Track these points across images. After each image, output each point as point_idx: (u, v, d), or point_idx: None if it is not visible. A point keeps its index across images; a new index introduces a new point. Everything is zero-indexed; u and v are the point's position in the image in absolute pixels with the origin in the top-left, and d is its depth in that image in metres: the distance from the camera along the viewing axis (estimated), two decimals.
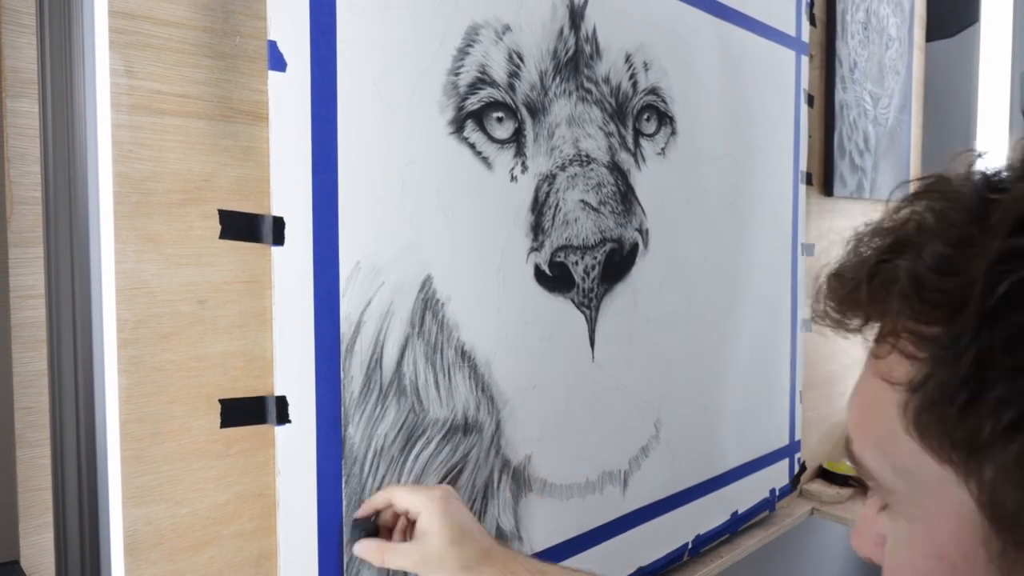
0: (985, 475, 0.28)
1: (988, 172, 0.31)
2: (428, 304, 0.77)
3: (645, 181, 1.01)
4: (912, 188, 0.32)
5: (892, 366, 0.31)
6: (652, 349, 1.04)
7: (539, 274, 0.88)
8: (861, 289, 0.32)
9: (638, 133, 1.00)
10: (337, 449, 0.69)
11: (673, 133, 1.06)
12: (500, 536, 0.85)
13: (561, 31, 0.89)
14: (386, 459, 0.73)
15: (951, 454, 0.29)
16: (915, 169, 1.86)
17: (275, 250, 0.65)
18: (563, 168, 0.90)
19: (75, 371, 0.49)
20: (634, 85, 0.99)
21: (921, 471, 0.31)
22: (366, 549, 0.68)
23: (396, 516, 0.71)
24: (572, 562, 0.92)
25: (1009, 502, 0.28)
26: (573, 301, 0.92)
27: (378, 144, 0.71)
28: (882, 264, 0.31)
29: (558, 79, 0.88)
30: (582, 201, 0.92)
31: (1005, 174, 0.31)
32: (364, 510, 0.71)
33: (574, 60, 0.90)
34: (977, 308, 0.27)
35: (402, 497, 0.69)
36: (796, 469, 1.41)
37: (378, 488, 0.73)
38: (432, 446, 0.78)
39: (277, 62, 0.64)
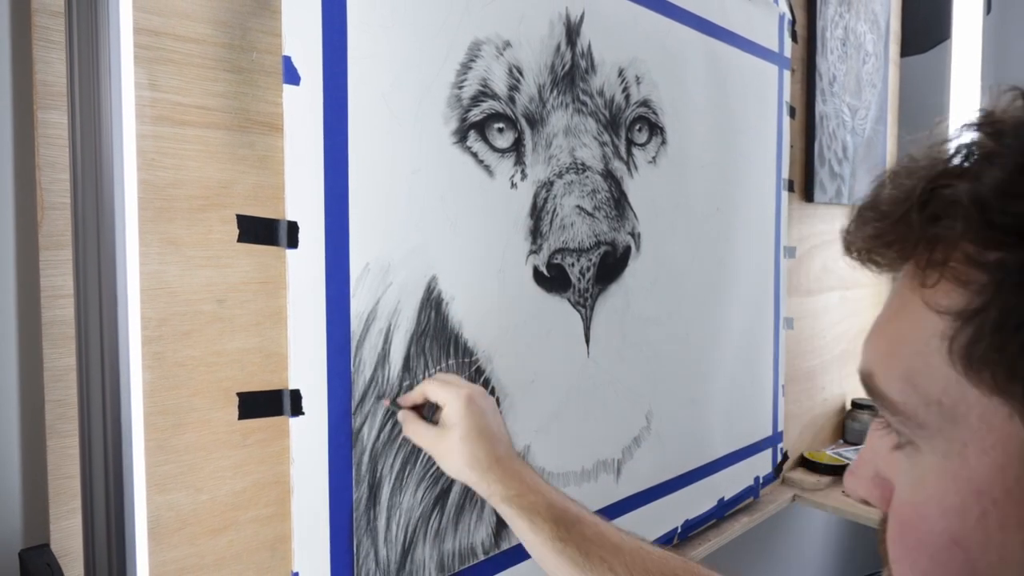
0: None
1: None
2: (433, 303, 0.76)
3: (637, 188, 1.01)
4: (955, 124, 0.30)
5: (941, 294, 0.28)
6: (644, 346, 1.04)
7: (537, 275, 0.88)
8: (911, 215, 0.28)
9: (630, 143, 1.00)
10: (347, 439, 0.69)
11: (663, 143, 1.06)
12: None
13: (558, 47, 0.89)
14: (393, 448, 0.73)
15: (1009, 385, 0.26)
16: None
17: (290, 253, 0.64)
18: (560, 176, 0.90)
19: (102, 366, 0.49)
20: (627, 98, 0.99)
21: (961, 405, 0.28)
22: (403, 415, 0.71)
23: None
24: None
25: None
26: (569, 301, 0.92)
27: (386, 153, 0.71)
28: (937, 190, 0.28)
29: (555, 92, 0.88)
30: (578, 207, 0.92)
31: None
32: (407, 399, 0.72)
33: (570, 74, 0.90)
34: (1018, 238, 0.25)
35: (433, 390, 0.69)
36: (779, 458, 1.41)
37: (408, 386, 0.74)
38: None
39: (291, 76, 0.64)
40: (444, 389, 0.69)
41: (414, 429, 0.69)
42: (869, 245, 0.31)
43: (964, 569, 0.28)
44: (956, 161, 0.29)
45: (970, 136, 0.29)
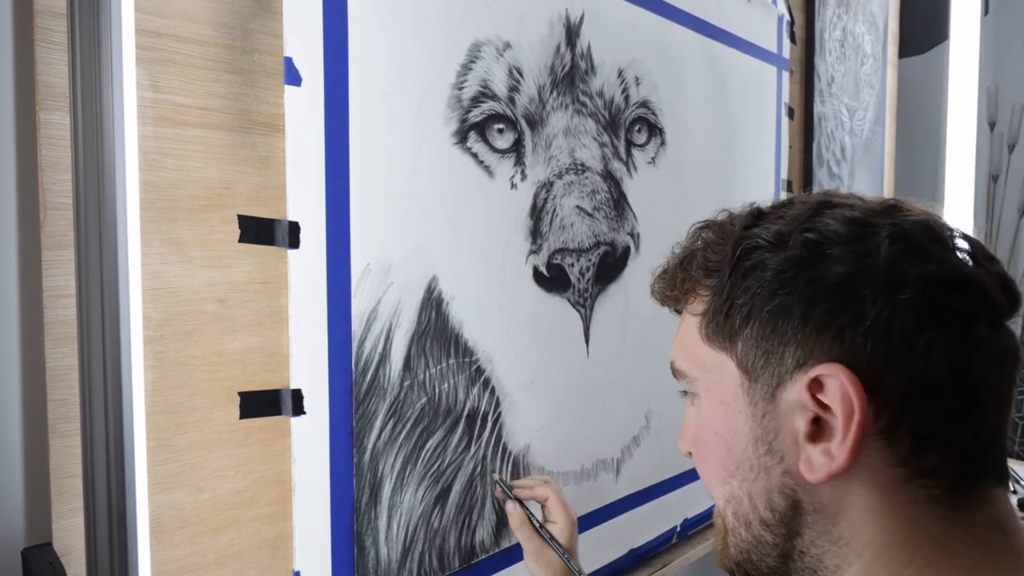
0: (738, 348, 0.46)
1: (727, 217, 0.52)
2: (433, 303, 0.76)
3: (636, 188, 1.01)
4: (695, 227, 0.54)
5: (694, 306, 0.50)
6: (643, 345, 1.04)
7: (537, 275, 0.88)
8: (676, 274, 0.51)
9: (630, 143, 1.00)
10: (348, 439, 0.69)
11: (663, 143, 1.06)
12: None
13: (558, 48, 0.89)
14: (394, 448, 0.73)
15: (719, 342, 0.47)
16: (889, 176, 1.86)
17: (291, 253, 0.64)
18: (560, 176, 0.90)
19: (104, 366, 0.49)
20: (626, 98, 0.99)
21: (710, 361, 0.48)
22: (513, 510, 0.81)
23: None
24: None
25: (748, 357, 0.45)
26: (569, 300, 0.92)
27: (387, 154, 0.71)
28: (687, 258, 0.51)
29: (555, 93, 0.88)
30: (578, 207, 0.92)
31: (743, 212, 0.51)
32: (524, 493, 0.83)
33: (570, 75, 0.90)
34: (729, 262, 0.46)
35: (553, 505, 0.81)
36: None
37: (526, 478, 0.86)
38: (437, 435, 0.78)
39: (293, 77, 0.64)
40: (562, 512, 0.81)
41: (526, 532, 0.80)
42: (664, 295, 0.54)
43: (723, 447, 0.47)
44: (698, 240, 0.52)
45: (703, 229, 0.53)
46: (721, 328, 0.47)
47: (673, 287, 0.52)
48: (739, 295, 0.45)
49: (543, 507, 0.82)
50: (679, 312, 0.53)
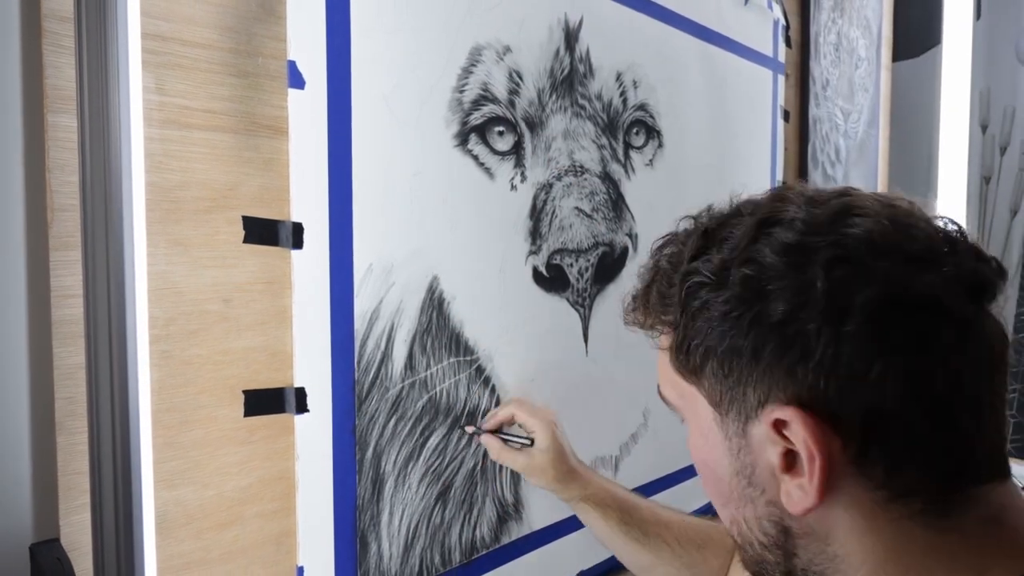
0: (705, 384, 0.45)
1: (684, 230, 0.50)
2: (435, 303, 0.76)
3: (634, 190, 1.01)
4: (653, 248, 0.52)
5: (662, 340, 0.49)
6: (641, 345, 1.03)
7: (537, 275, 0.88)
8: (640, 306, 0.51)
9: (628, 146, 1.00)
10: (351, 436, 0.69)
11: (660, 146, 1.06)
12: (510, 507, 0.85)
13: (557, 52, 0.89)
14: (396, 445, 0.73)
15: (688, 377, 0.46)
16: (882, 178, 1.86)
17: (294, 253, 0.64)
18: (559, 178, 0.90)
19: (111, 365, 0.49)
20: (624, 101, 0.99)
21: (687, 392, 0.47)
22: (489, 441, 0.80)
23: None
24: (568, 540, 0.92)
25: (715, 394, 0.44)
26: (568, 300, 0.92)
27: (389, 156, 0.71)
28: (648, 289, 0.50)
29: (554, 96, 0.88)
30: (576, 208, 0.92)
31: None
32: (491, 423, 0.80)
33: (569, 78, 0.90)
34: (679, 301, 0.45)
35: (522, 417, 0.79)
36: None
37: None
38: (439, 433, 0.78)
39: (296, 80, 0.64)
40: (532, 417, 0.79)
41: (506, 456, 0.79)
42: (638, 325, 0.53)
43: (713, 476, 0.47)
44: (653, 272, 0.51)
45: (659, 255, 0.51)
46: (686, 365, 0.46)
47: (640, 322, 0.52)
48: (693, 335, 0.44)
49: (519, 425, 0.81)
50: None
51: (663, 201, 1.06)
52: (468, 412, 0.80)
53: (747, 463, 0.44)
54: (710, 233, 0.46)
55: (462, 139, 0.78)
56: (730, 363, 0.43)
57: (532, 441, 0.78)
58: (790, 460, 0.41)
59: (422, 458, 0.76)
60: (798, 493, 0.41)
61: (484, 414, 0.82)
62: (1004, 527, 0.41)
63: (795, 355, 0.40)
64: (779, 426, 0.41)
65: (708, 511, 1.24)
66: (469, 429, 0.80)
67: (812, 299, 0.39)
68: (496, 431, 0.81)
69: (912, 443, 0.40)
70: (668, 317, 0.47)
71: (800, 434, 0.40)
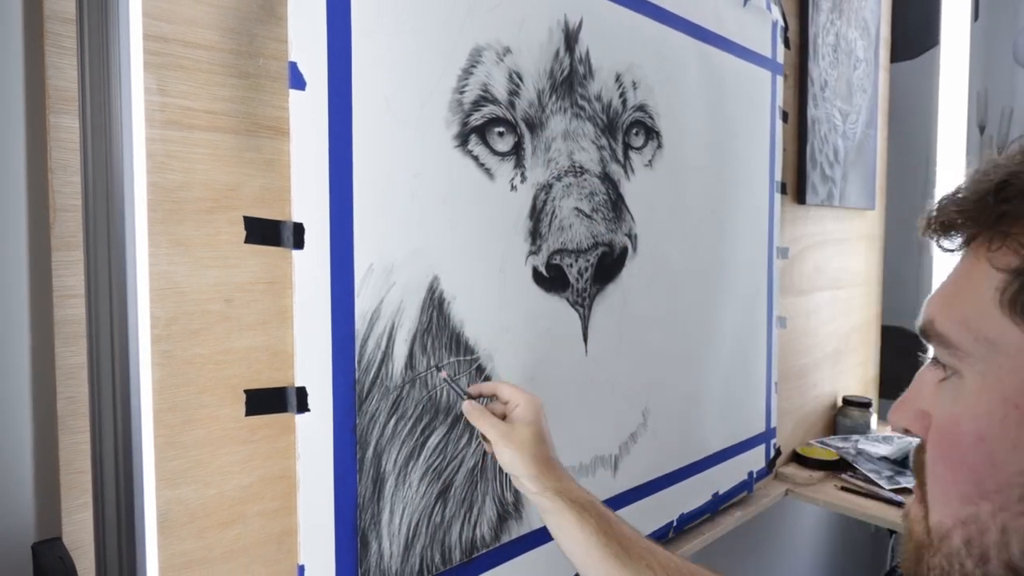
0: None
1: None
2: (435, 303, 0.76)
3: (634, 190, 1.01)
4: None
5: (1000, 256, 0.35)
6: (640, 344, 1.04)
7: (537, 275, 0.88)
8: (988, 198, 0.36)
9: (627, 146, 1.00)
10: (352, 435, 0.69)
11: (659, 146, 1.06)
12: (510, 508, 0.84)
13: (557, 53, 0.89)
14: (396, 444, 0.73)
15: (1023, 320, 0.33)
16: (881, 179, 1.86)
17: (295, 253, 0.64)
18: (559, 178, 0.90)
19: (112, 364, 0.49)
20: (624, 102, 0.99)
21: (1004, 339, 0.35)
22: (470, 407, 0.73)
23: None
24: None
25: None
26: (568, 300, 0.92)
27: (389, 156, 0.71)
28: (1010, 180, 0.35)
29: (554, 97, 0.88)
30: (576, 209, 0.92)
31: None
32: (475, 390, 0.76)
33: (569, 79, 0.90)
34: None
35: (508, 390, 0.74)
36: (772, 454, 1.41)
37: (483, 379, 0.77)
38: (439, 432, 0.78)
39: (297, 81, 0.64)
40: (518, 391, 0.73)
41: (486, 420, 0.72)
42: (951, 219, 0.38)
43: (986, 460, 0.35)
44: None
45: None
46: None
47: (970, 216, 0.38)
48: None
49: (504, 403, 0.75)
50: (950, 250, 0.40)
51: (662, 201, 1.06)
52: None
53: None
54: None
55: (462, 140, 0.78)
56: None
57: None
58: None
59: (422, 457, 0.76)
60: None
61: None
62: None
63: None
64: None
65: (706, 511, 1.24)
66: (444, 375, 0.75)
67: None
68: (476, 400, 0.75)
69: None
70: None
71: None
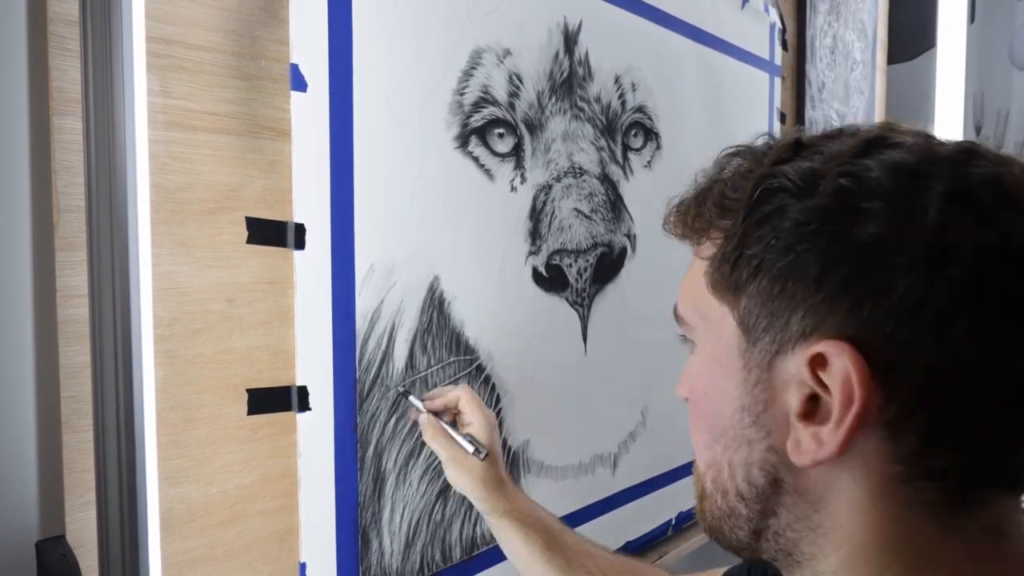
0: (741, 304, 0.40)
1: (765, 143, 0.45)
2: (435, 303, 0.77)
3: (633, 191, 1.01)
4: (723, 153, 0.47)
5: (705, 250, 0.44)
6: (639, 344, 1.04)
7: (536, 275, 0.88)
8: (691, 206, 0.46)
9: (626, 147, 1.00)
10: (353, 435, 0.69)
11: (658, 147, 1.06)
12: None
13: (556, 55, 0.89)
14: (397, 443, 0.73)
15: (723, 293, 0.41)
16: None
17: (297, 254, 0.65)
18: (558, 179, 0.90)
19: (115, 364, 0.49)
20: (623, 104, 0.99)
21: (712, 313, 0.42)
22: (426, 424, 0.72)
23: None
24: None
25: (750, 316, 0.39)
26: (567, 300, 0.92)
27: (390, 158, 0.71)
28: (706, 191, 0.45)
29: (554, 98, 0.88)
30: (575, 209, 0.92)
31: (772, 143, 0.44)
32: (436, 403, 0.74)
33: (568, 81, 0.90)
34: (745, 203, 0.39)
35: (468, 409, 0.73)
36: None
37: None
38: None
39: (299, 83, 0.64)
40: (475, 408, 0.73)
41: (437, 442, 0.72)
42: (680, 229, 0.48)
43: (712, 410, 0.43)
44: (720, 173, 0.46)
45: (729, 160, 0.46)
46: (727, 278, 0.40)
47: (685, 224, 0.46)
48: (751, 244, 0.38)
49: (458, 413, 0.74)
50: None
51: (661, 202, 1.05)
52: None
53: (760, 399, 0.39)
54: (803, 144, 0.41)
55: (462, 141, 0.78)
56: (784, 282, 0.37)
57: (478, 451, 0.71)
58: (811, 405, 0.37)
59: (423, 456, 0.76)
60: (810, 443, 0.37)
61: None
62: (1004, 541, 0.38)
63: (869, 287, 0.35)
64: (816, 363, 0.36)
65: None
66: (401, 390, 0.73)
67: (917, 229, 0.34)
68: (438, 417, 0.74)
69: (964, 420, 0.35)
70: (724, 221, 0.41)
71: (841, 375, 0.35)
